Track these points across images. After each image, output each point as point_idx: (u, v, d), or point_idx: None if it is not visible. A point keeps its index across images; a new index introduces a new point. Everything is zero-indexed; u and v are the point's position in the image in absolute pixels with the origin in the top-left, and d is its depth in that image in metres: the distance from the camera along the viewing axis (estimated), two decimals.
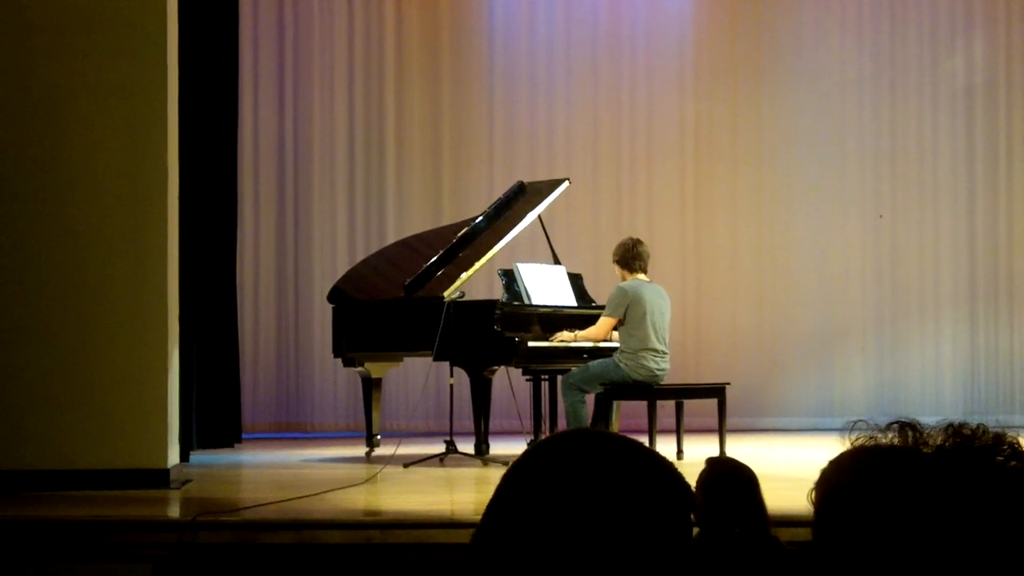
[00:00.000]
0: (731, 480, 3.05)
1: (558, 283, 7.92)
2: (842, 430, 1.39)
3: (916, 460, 1.29)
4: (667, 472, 1.35)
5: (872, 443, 1.32)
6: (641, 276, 7.57)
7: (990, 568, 1.23)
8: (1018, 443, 1.29)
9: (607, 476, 1.31)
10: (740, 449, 7.38)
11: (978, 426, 1.30)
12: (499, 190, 8.79)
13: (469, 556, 1.32)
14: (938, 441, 1.29)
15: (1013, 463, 1.27)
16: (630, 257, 7.58)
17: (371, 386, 8.08)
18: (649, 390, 7.34)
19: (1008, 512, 1.24)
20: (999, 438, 1.29)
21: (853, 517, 1.28)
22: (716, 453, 6.88)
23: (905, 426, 1.31)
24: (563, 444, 1.36)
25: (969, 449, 1.28)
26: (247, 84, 10.28)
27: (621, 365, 7.36)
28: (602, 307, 7.71)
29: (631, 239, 7.72)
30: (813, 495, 1.37)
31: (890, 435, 1.32)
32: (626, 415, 8.19)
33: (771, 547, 2.91)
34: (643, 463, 1.34)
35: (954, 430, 1.29)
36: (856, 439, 1.34)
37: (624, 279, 7.57)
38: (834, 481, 1.33)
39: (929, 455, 1.29)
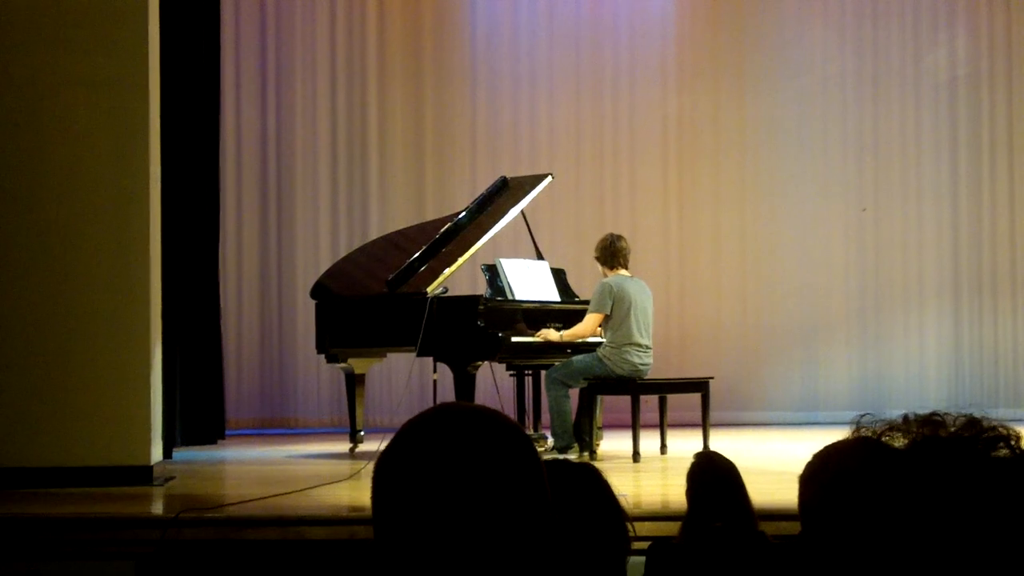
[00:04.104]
0: (714, 474, 3.05)
1: (541, 278, 7.91)
2: (826, 423, 1.39)
3: (896, 454, 1.28)
4: (516, 434, 1.39)
5: (856, 436, 1.32)
6: (623, 271, 7.57)
7: (974, 557, 1.23)
8: (1017, 435, 1.29)
9: (464, 447, 1.37)
10: (724, 443, 7.38)
11: (952, 415, 1.30)
12: (482, 185, 8.77)
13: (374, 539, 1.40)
14: (956, 427, 1.28)
15: (1004, 452, 1.26)
16: (609, 253, 7.57)
17: (354, 382, 8.06)
18: (632, 385, 7.34)
19: (993, 501, 1.23)
20: (992, 429, 1.28)
21: (839, 508, 1.28)
22: (700, 448, 6.89)
23: (922, 419, 1.30)
24: (422, 425, 1.42)
25: (944, 440, 1.27)
26: (229, 80, 10.25)
27: (604, 360, 7.36)
28: (585, 302, 7.70)
29: (611, 235, 7.70)
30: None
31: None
32: (610, 410, 8.20)
33: (757, 541, 2.91)
34: (495, 430, 1.38)
35: (969, 421, 1.29)
36: (862, 432, 1.34)
37: (606, 275, 7.56)
38: (820, 474, 1.33)
39: (909, 449, 1.28)
